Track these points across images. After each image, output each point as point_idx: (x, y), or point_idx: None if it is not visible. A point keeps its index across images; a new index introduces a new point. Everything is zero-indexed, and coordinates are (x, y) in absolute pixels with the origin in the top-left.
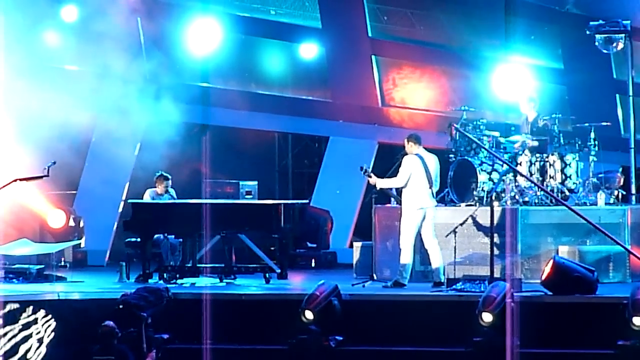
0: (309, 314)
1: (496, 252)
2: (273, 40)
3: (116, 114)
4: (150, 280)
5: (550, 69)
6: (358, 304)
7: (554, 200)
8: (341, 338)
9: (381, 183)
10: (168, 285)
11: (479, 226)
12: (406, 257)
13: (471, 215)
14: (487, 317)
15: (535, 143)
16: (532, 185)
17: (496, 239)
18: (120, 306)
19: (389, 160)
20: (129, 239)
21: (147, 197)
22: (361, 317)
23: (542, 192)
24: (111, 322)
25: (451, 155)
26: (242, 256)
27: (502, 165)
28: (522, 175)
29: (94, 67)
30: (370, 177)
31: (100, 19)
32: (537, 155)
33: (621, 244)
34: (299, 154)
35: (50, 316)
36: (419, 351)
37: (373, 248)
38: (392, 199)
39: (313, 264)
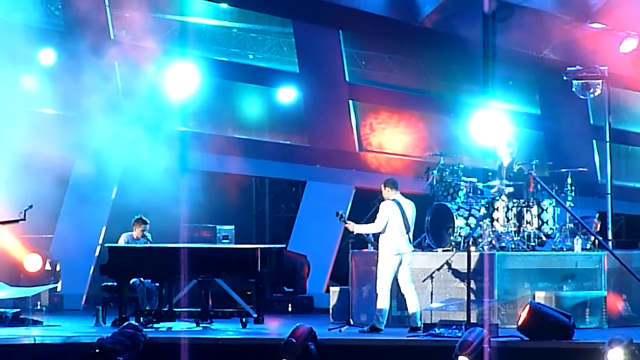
0: None
1: (473, 297)
2: (251, 85)
3: (93, 158)
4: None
5: (528, 114)
6: (335, 348)
7: (530, 246)
8: None
9: (358, 228)
10: (145, 329)
11: (455, 271)
12: (383, 302)
13: (448, 261)
14: None
15: (511, 189)
16: (509, 230)
17: (473, 284)
18: (97, 350)
19: (366, 205)
20: (105, 283)
21: (122, 242)
22: None
23: (519, 238)
24: None
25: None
26: (219, 300)
27: (479, 210)
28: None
29: (71, 110)
30: (347, 223)
31: (78, 63)
32: (514, 200)
33: None
34: (276, 198)
35: None
36: None
37: (350, 293)
38: (369, 244)
39: (290, 309)
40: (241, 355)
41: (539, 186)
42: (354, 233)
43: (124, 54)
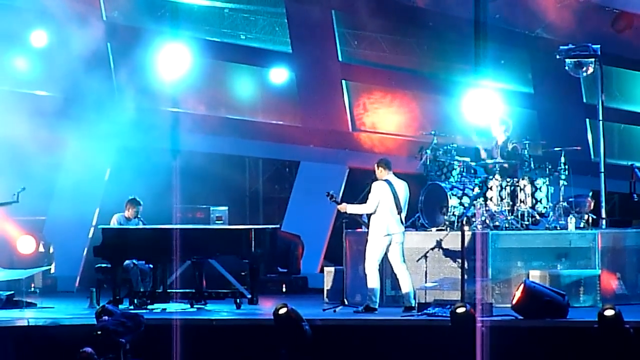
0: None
1: (467, 276)
2: (243, 65)
3: (86, 140)
4: (120, 306)
5: (521, 93)
6: (329, 329)
7: (524, 225)
8: None
9: (350, 209)
10: (138, 311)
11: (449, 251)
12: (373, 281)
13: (442, 240)
14: None
15: (506, 165)
16: (503, 209)
17: (467, 264)
18: (99, 332)
19: (359, 185)
20: (99, 265)
21: (114, 222)
22: (332, 342)
23: (513, 217)
24: (89, 348)
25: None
26: (213, 282)
27: (472, 190)
28: None
29: (63, 92)
30: (338, 203)
31: (70, 45)
32: (508, 179)
33: None
34: (269, 179)
35: None
36: None
37: (344, 273)
38: (362, 225)
39: (284, 289)
40: (235, 336)
41: (532, 164)
42: (347, 213)
43: (116, 35)
